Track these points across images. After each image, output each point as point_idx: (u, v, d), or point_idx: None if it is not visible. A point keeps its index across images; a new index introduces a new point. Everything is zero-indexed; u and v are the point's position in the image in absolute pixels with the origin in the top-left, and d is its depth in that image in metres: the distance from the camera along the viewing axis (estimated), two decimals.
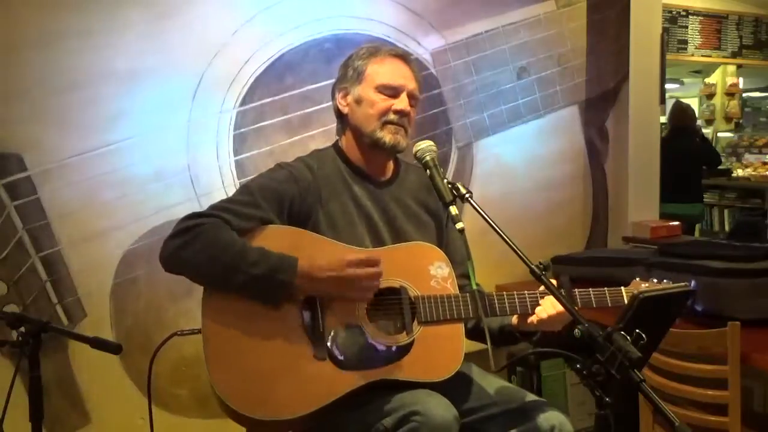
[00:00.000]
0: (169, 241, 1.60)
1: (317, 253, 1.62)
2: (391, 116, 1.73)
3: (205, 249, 1.56)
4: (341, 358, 1.59)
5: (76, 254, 2.39)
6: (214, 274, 1.58)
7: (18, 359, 1.89)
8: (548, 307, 1.62)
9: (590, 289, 1.70)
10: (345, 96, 1.79)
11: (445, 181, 1.61)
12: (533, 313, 1.66)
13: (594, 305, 1.69)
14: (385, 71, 1.75)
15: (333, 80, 1.86)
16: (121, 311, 2.47)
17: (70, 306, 2.40)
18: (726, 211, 6.62)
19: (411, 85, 1.77)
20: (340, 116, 1.83)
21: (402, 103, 1.74)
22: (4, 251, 2.31)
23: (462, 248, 1.83)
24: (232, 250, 1.55)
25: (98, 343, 1.65)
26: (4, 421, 1.68)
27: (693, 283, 1.60)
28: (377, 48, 1.80)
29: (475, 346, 1.76)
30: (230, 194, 2.51)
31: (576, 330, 1.32)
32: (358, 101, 1.76)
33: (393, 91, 1.74)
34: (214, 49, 2.54)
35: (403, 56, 1.80)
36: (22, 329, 1.62)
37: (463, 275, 1.80)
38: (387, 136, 1.72)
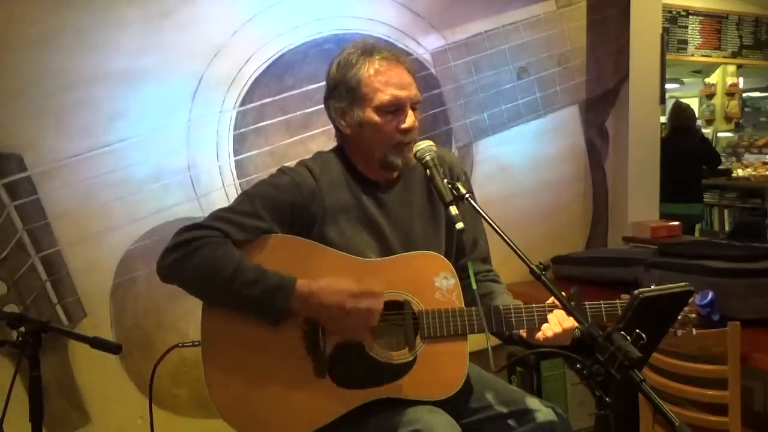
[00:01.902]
0: (166, 254, 1.56)
1: (319, 266, 1.59)
2: (401, 137, 1.64)
3: (202, 266, 1.52)
4: (342, 375, 1.57)
5: (75, 254, 2.39)
6: (210, 292, 1.56)
7: (18, 359, 1.89)
8: (554, 324, 1.57)
9: (601, 301, 1.65)
10: (343, 116, 1.68)
11: (445, 181, 1.60)
12: (540, 328, 1.62)
13: (605, 319, 1.63)
14: (382, 86, 1.62)
15: None
16: (121, 311, 2.47)
17: (70, 306, 2.40)
18: (726, 211, 6.62)
19: (412, 92, 1.65)
20: (341, 133, 1.73)
21: (409, 120, 1.63)
22: (4, 251, 2.31)
23: (476, 227, 1.81)
24: (229, 269, 1.51)
25: (98, 343, 1.65)
26: (4, 421, 1.68)
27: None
28: (366, 54, 1.65)
29: (477, 345, 1.75)
30: (230, 194, 2.56)
31: (576, 330, 1.32)
32: (361, 125, 1.64)
33: (396, 107, 1.63)
34: (213, 48, 2.54)
35: (396, 59, 1.66)
36: (22, 329, 1.62)
37: (479, 258, 1.79)
38: (399, 159, 1.66)
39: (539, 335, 1.60)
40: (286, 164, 1.75)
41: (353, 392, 1.57)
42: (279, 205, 1.62)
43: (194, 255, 1.52)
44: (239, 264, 1.53)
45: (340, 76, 1.66)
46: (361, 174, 1.72)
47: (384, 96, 1.62)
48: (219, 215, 1.60)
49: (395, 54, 1.68)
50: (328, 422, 1.56)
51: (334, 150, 1.77)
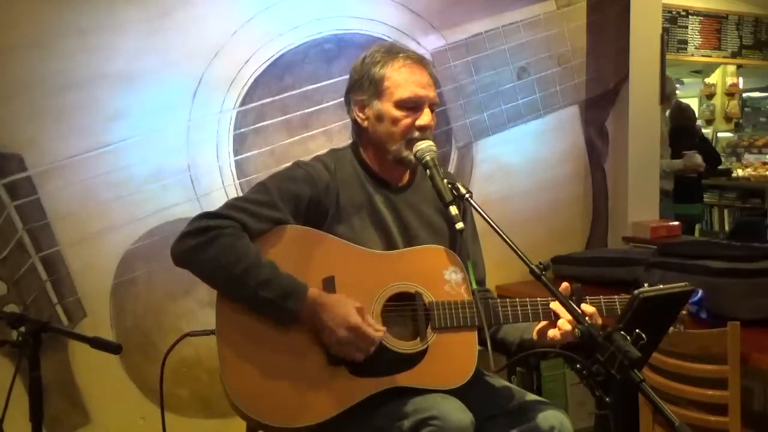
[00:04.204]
0: (183, 238, 1.58)
1: (333, 257, 1.62)
2: (416, 133, 1.68)
3: (218, 257, 1.54)
4: (355, 364, 1.58)
5: (75, 254, 2.39)
6: (224, 285, 1.58)
7: (18, 359, 1.89)
8: (565, 314, 1.56)
9: (601, 296, 1.67)
10: (362, 109, 1.73)
11: (445, 181, 1.61)
12: (547, 321, 1.63)
13: (605, 314, 1.64)
14: (404, 82, 1.69)
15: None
16: (121, 311, 2.47)
17: (70, 306, 2.40)
18: (726, 211, 6.62)
19: (431, 93, 1.72)
20: (358, 127, 1.77)
21: (425, 117, 1.69)
22: (4, 251, 2.31)
23: (475, 250, 1.86)
24: (244, 264, 1.53)
25: (98, 343, 1.65)
26: (4, 421, 1.67)
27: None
28: (392, 53, 1.72)
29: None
30: (230, 194, 2.56)
31: (576, 330, 1.32)
32: (379, 117, 1.70)
33: (415, 104, 1.69)
34: (213, 48, 2.54)
35: (420, 61, 1.74)
36: (22, 329, 1.61)
37: (480, 281, 1.80)
38: (412, 155, 1.69)
39: (554, 333, 1.59)
40: (300, 159, 1.78)
41: (366, 381, 1.58)
42: (294, 197, 1.65)
43: (211, 245, 1.54)
44: (254, 260, 1.54)
45: (365, 71, 1.73)
46: (373, 172, 1.77)
47: (405, 92, 1.69)
48: (236, 204, 1.63)
49: (419, 56, 1.78)
50: (342, 410, 1.56)
51: (349, 147, 1.81)
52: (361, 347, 1.55)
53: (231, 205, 1.63)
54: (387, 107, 1.69)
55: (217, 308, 1.59)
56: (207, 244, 1.54)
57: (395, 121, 1.69)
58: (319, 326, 1.56)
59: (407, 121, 1.69)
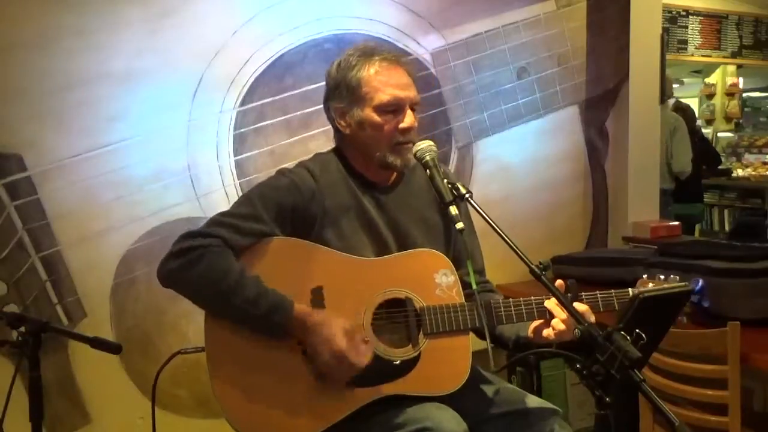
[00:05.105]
0: (167, 261, 1.56)
1: (320, 267, 1.61)
2: (400, 137, 1.66)
3: (202, 276, 1.52)
4: None
5: (76, 254, 2.39)
6: (210, 304, 1.57)
7: (18, 359, 1.89)
8: (560, 314, 1.56)
9: (597, 291, 1.66)
10: (343, 116, 1.69)
11: (445, 181, 1.59)
12: (542, 319, 1.62)
13: (601, 309, 1.64)
14: (383, 86, 1.64)
15: None
16: (121, 311, 2.47)
17: (70, 306, 2.40)
18: (726, 211, 6.62)
19: (412, 93, 1.67)
20: (340, 134, 1.74)
21: (408, 119, 1.65)
22: (4, 251, 2.31)
23: (472, 241, 1.83)
24: (228, 281, 1.52)
25: (98, 343, 1.65)
26: (4, 421, 1.68)
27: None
28: (367, 55, 1.67)
29: (476, 345, 1.76)
30: (230, 194, 2.56)
31: (576, 330, 1.32)
32: (361, 125, 1.66)
33: (396, 107, 1.65)
34: (214, 48, 2.54)
35: (397, 61, 1.69)
36: (22, 329, 1.62)
37: (475, 271, 1.79)
38: (398, 160, 1.67)
39: (548, 332, 1.59)
40: (284, 166, 1.76)
41: (359, 390, 1.57)
42: (280, 207, 1.63)
43: (194, 265, 1.53)
44: (238, 278, 1.53)
45: (340, 77, 1.68)
46: (359, 174, 1.73)
47: (384, 96, 1.64)
48: (220, 220, 1.60)
49: (395, 55, 1.71)
50: (335, 422, 1.56)
51: (333, 151, 1.78)
52: (343, 375, 1.54)
53: (214, 221, 1.60)
54: (368, 113, 1.65)
55: (206, 329, 1.58)
56: (191, 265, 1.53)
57: (378, 127, 1.65)
58: (307, 344, 1.55)
59: (390, 125, 1.65)
